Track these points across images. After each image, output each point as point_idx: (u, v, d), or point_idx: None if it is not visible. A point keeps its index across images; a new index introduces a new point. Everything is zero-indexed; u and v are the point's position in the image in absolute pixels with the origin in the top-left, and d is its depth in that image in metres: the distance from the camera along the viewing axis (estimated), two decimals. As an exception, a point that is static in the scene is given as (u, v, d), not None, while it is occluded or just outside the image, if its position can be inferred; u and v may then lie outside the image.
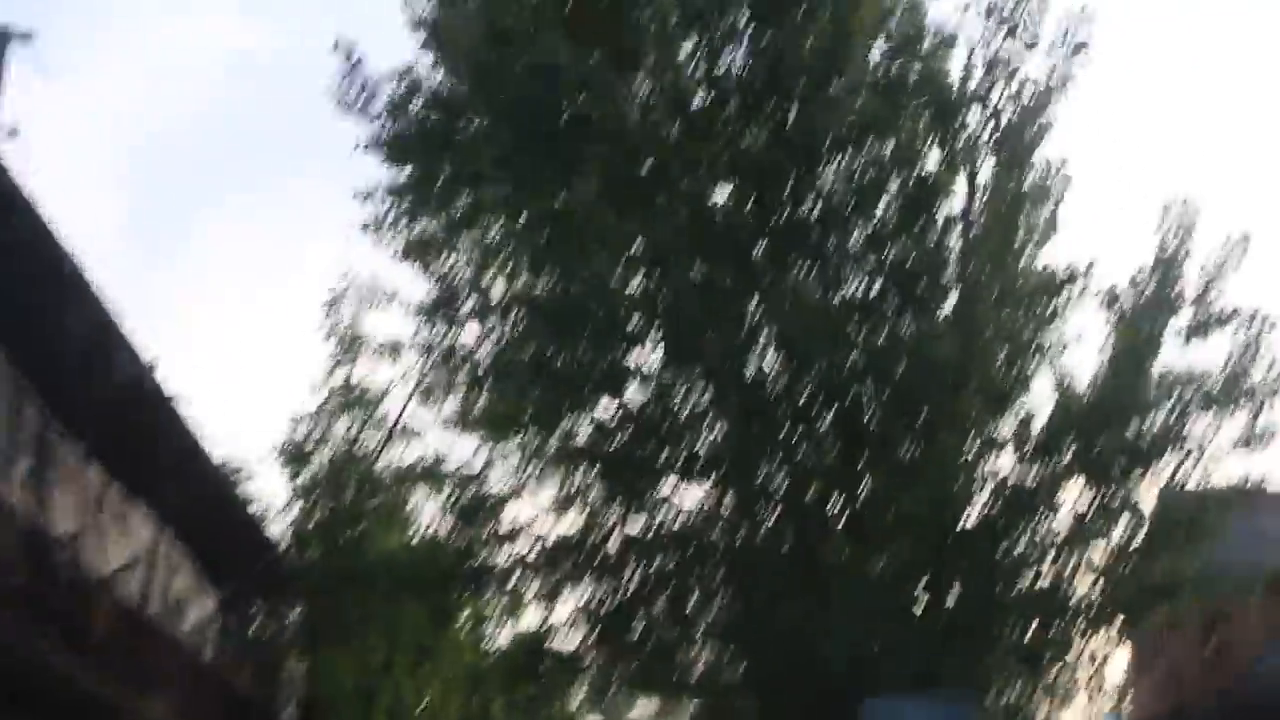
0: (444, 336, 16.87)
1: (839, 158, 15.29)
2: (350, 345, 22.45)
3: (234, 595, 21.24)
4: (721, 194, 15.73)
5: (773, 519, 16.02)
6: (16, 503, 13.80)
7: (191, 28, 60.39)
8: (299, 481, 22.96)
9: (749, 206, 15.52)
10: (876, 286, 15.47)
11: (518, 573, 17.36)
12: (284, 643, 23.85)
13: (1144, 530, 15.52)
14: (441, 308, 16.69)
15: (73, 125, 51.81)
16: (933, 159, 15.51)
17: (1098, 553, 15.56)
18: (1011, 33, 15.18)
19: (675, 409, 15.86)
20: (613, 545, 16.69)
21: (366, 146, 15.89)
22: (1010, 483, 15.35)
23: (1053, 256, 15.82)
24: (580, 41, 14.69)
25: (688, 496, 16.36)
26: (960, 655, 14.77)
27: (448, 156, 15.81)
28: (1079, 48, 15.19)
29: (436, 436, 24.58)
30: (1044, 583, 15.42)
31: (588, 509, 16.76)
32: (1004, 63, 15.25)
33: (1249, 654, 21.51)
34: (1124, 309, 15.25)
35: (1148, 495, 15.59)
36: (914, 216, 15.26)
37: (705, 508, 16.43)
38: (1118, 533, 15.53)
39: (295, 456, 22.90)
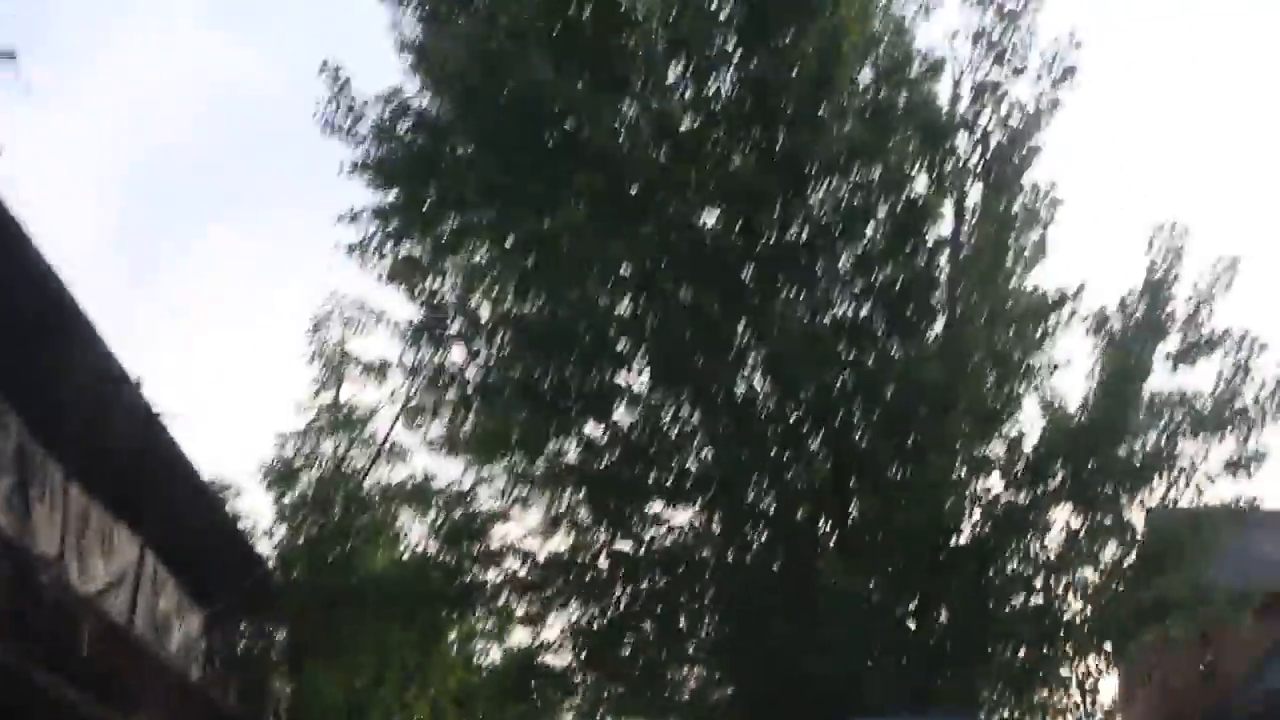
0: (431, 358, 16.85)
1: (827, 181, 15.30)
2: (336, 366, 22.38)
3: (221, 613, 21.14)
4: (710, 217, 15.73)
5: (762, 538, 16.00)
6: (1, 522, 13.70)
7: (179, 55, 60.40)
8: (286, 500, 22.88)
9: (737, 229, 15.51)
10: (865, 309, 15.46)
11: (506, 591, 17.35)
12: (271, 661, 23.75)
13: (1135, 551, 15.46)
14: (428, 329, 16.63)
15: (59, 147, 51.77)
16: (921, 183, 15.54)
17: (1089, 573, 15.51)
18: (999, 59, 15.25)
19: (663, 430, 15.84)
20: (601, 564, 16.68)
21: (352, 169, 15.80)
22: (1001, 502, 15.30)
23: (1042, 279, 15.87)
24: (567, 66, 14.67)
25: (677, 516, 16.35)
26: (951, 674, 14.76)
27: (434, 180, 15.73)
28: (1067, 73, 15.26)
29: (424, 457, 24.64)
30: (1036, 601, 15.37)
31: (576, 529, 16.73)
32: (992, 88, 15.31)
33: (1240, 673, 21.47)
34: (1113, 332, 15.23)
35: (1139, 516, 15.54)
36: (903, 240, 15.26)
37: (695, 527, 16.41)
38: (1109, 553, 15.48)
39: (282, 475, 22.83)
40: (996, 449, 15.44)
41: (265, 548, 23.10)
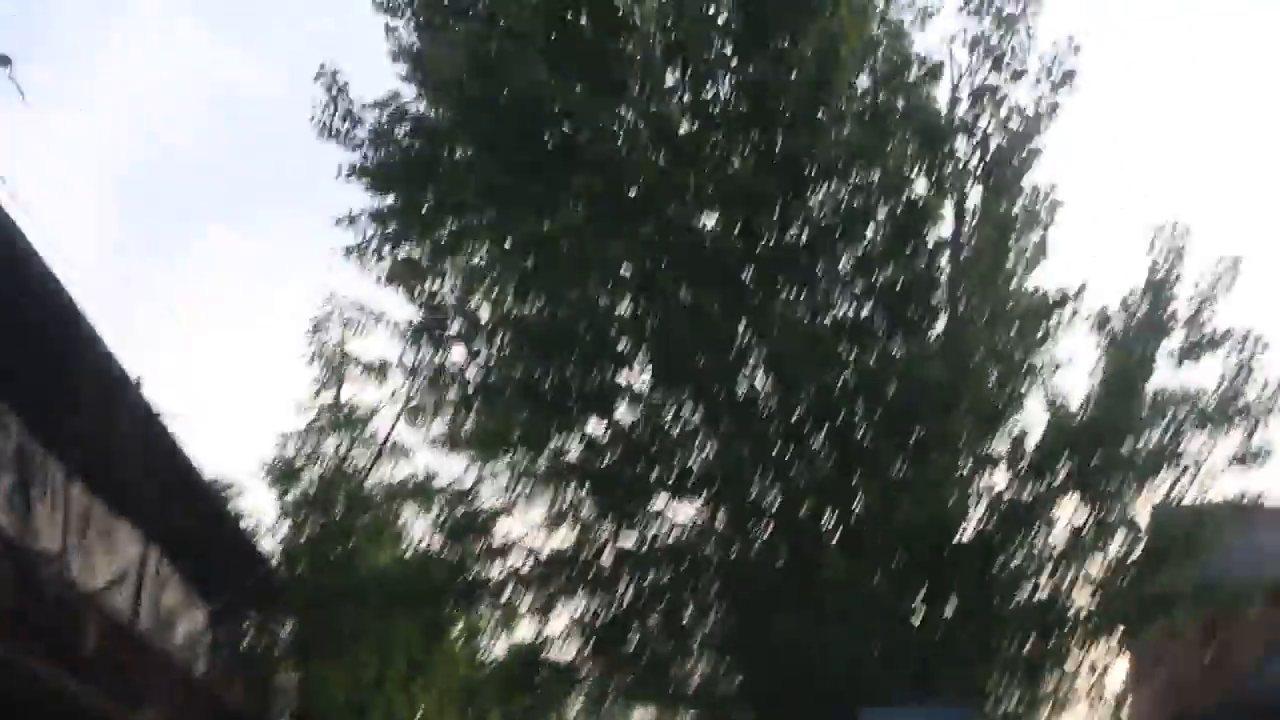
0: (431, 358, 16.80)
1: (826, 184, 15.23)
2: (337, 367, 22.40)
3: (225, 609, 21.22)
4: (709, 219, 15.64)
5: (767, 534, 15.97)
6: (2, 521, 13.75)
7: (178, 56, 60.25)
8: (288, 498, 22.92)
9: (737, 231, 15.43)
10: (866, 309, 15.40)
11: (511, 587, 17.31)
12: (275, 657, 23.81)
13: (1141, 545, 15.44)
14: (428, 330, 16.58)
15: (59, 148, 51.72)
16: (921, 185, 15.44)
17: (1095, 566, 15.49)
18: (998, 64, 15.19)
19: (665, 428, 15.81)
20: (606, 560, 16.64)
21: (350, 174, 15.71)
22: (1006, 498, 15.26)
23: (1043, 279, 15.84)
24: (564, 71, 14.59)
25: (680, 512, 16.32)
26: (958, 665, 14.72)
27: (432, 185, 15.66)
28: (1067, 77, 15.20)
29: (426, 455, 24.63)
30: (1042, 595, 15.35)
31: (580, 525, 16.70)
32: (991, 92, 15.26)
33: (1248, 662, 21.44)
34: (1115, 331, 15.23)
35: (1144, 511, 15.54)
36: (903, 241, 15.18)
37: (699, 522, 16.38)
38: (1114, 547, 15.46)
39: (284, 474, 22.87)
40: (1000, 446, 15.39)
41: (268, 545, 23.21)
